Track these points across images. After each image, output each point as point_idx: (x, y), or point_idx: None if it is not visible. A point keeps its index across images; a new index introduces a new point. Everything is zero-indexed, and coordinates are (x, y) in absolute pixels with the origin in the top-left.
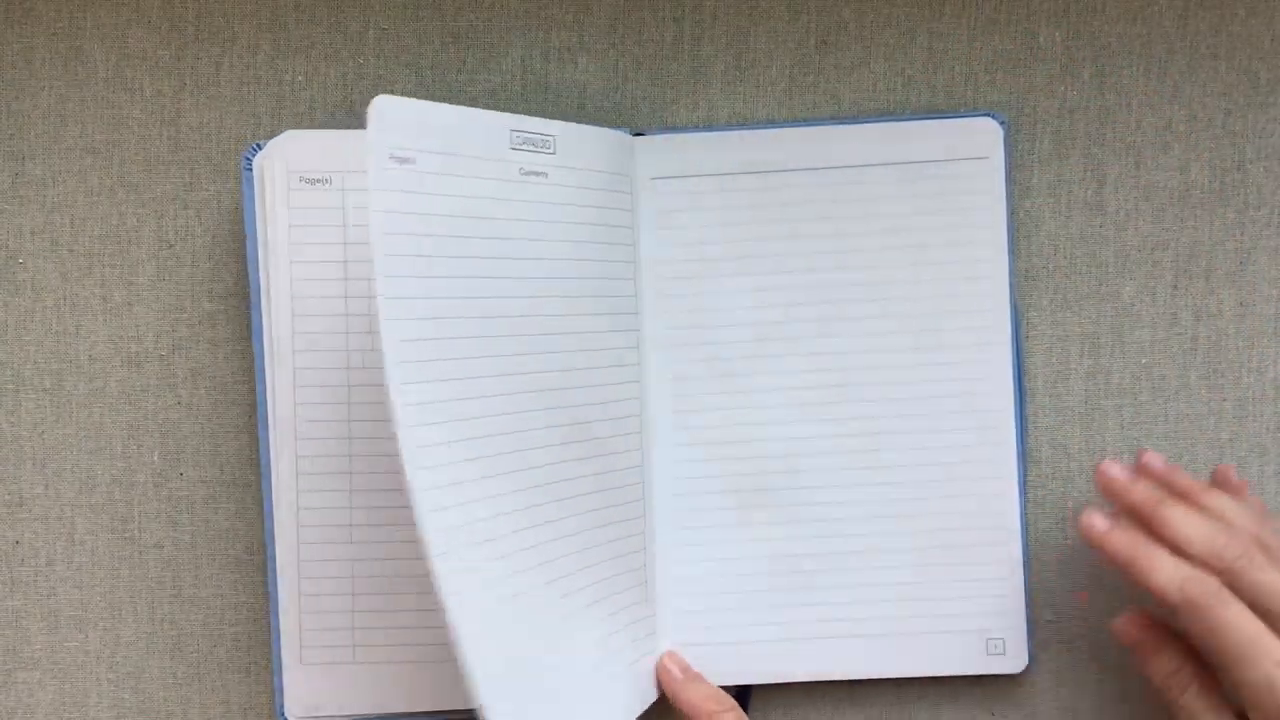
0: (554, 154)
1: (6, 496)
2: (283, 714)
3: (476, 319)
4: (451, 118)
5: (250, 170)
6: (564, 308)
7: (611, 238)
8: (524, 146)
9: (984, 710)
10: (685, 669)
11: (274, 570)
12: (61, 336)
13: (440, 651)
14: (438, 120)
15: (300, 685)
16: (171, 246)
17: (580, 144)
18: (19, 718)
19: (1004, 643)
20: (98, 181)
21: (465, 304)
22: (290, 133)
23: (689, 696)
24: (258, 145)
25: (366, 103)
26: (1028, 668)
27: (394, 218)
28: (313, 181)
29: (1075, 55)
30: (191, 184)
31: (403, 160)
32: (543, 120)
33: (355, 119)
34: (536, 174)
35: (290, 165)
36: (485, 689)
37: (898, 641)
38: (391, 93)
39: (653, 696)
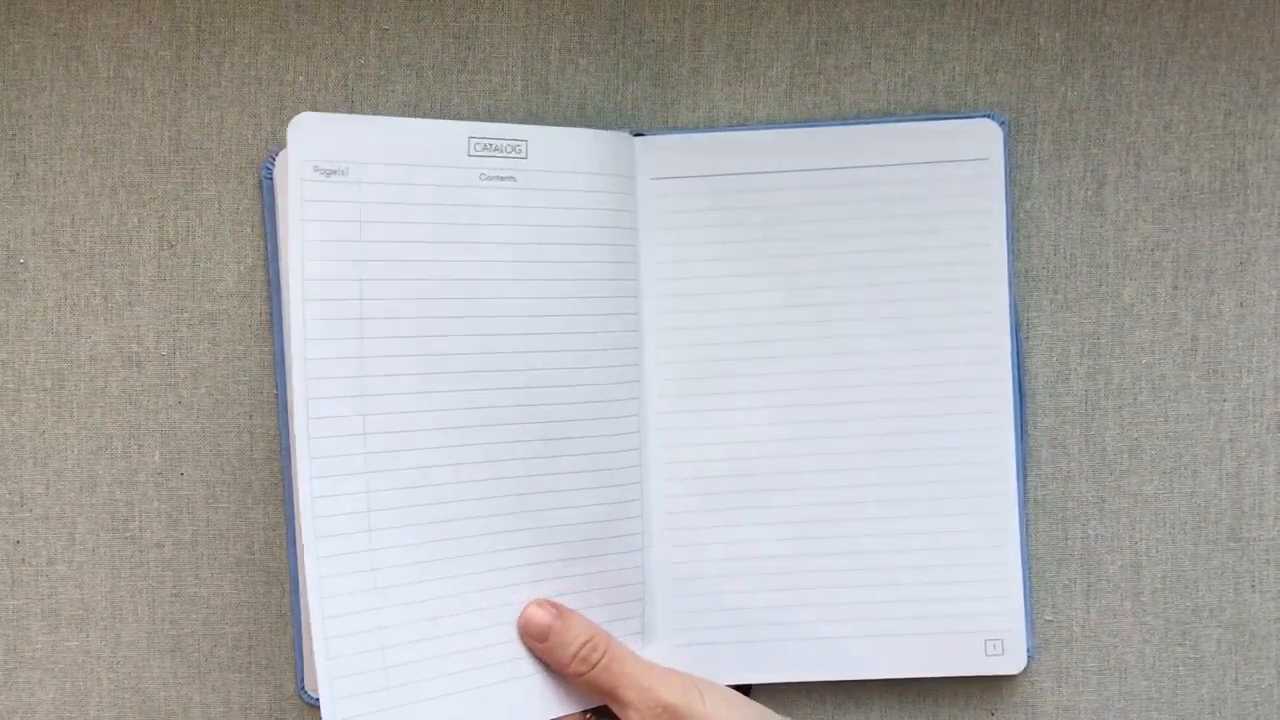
0: (525, 158)
1: (7, 496)
2: (303, 689)
3: (439, 318)
4: (391, 129)
5: (270, 179)
6: (553, 308)
7: (607, 238)
8: (485, 153)
9: (984, 710)
10: (544, 633)
11: (294, 553)
12: (62, 336)
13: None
14: (373, 132)
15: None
16: (172, 246)
17: (560, 147)
18: (19, 717)
19: (1003, 643)
20: (99, 182)
21: (420, 304)
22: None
23: (554, 660)
24: (274, 154)
25: (367, 103)
26: (1027, 668)
27: (326, 226)
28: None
29: (1075, 56)
30: (193, 184)
31: (330, 172)
32: (510, 125)
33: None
34: (502, 179)
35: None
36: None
37: (898, 642)
38: (391, 93)
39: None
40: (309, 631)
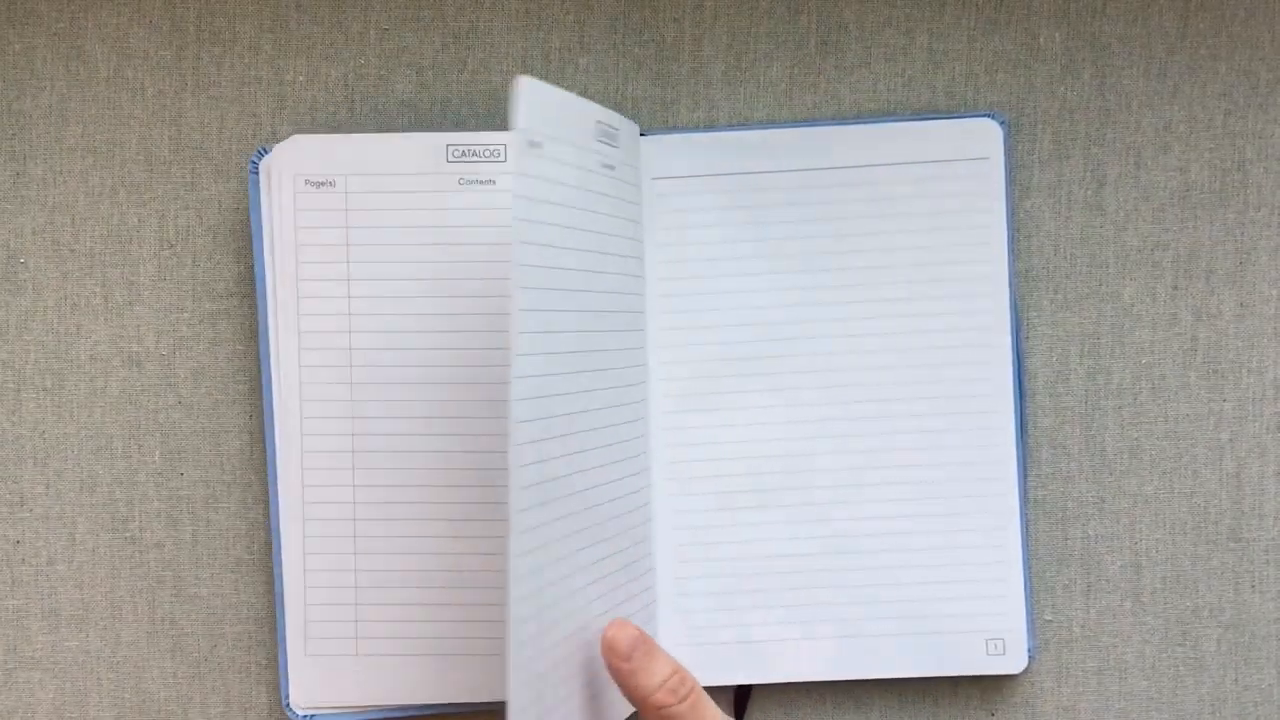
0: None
1: (7, 496)
2: (288, 705)
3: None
4: (573, 106)
5: (256, 174)
6: (605, 303)
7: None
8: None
9: (984, 710)
10: (630, 652)
11: (279, 563)
12: (62, 336)
13: (439, 645)
14: (567, 108)
15: (305, 677)
16: (172, 246)
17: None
18: (19, 717)
19: (1004, 643)
20: (99, 181)
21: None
22: (296, 137)
23: (638, 684)
24: (263, 149)
25: (367, 102)
26: (1028, 668)
27: (533, 206)
28: (318, 185)
29: (1075, 55)
30: (193, 184)
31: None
32: (616, 114)
33: (355, 119)
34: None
35: (296, 168)
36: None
37: (898, 641)
38: (391, 93)
39: None
40: (300, 643)
